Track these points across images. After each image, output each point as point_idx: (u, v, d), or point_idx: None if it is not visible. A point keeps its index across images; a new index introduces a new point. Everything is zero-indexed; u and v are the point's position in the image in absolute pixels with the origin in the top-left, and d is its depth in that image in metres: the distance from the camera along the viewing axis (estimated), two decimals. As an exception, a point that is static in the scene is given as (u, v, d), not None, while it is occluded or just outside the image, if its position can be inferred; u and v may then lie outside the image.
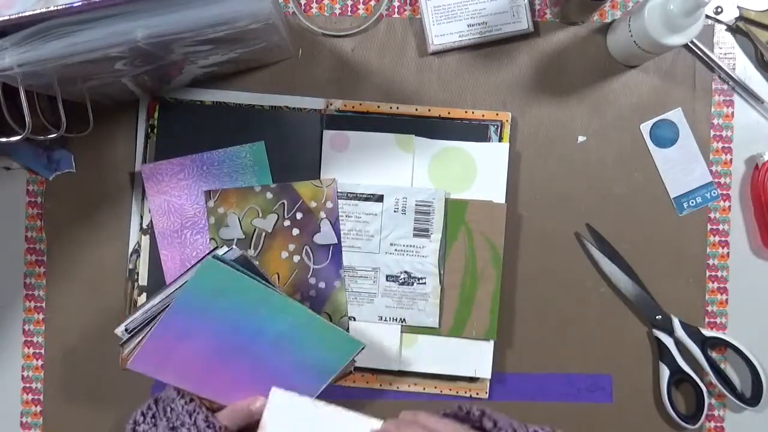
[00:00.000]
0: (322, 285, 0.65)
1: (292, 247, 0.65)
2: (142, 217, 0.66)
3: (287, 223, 0.65)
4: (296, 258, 0.65)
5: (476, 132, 0.65)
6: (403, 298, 0.65)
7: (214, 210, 0.65)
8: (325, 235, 0.65)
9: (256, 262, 0.59)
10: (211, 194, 0.65)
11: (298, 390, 0.54)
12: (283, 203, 0.65)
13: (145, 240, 0.65)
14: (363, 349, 0.58)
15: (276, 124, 0.65)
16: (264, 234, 0.65)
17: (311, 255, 0.65)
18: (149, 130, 0.66)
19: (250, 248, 0.65)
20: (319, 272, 0.65)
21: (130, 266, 0.66)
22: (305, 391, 0.55)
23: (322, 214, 0.65)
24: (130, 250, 0.66)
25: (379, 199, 0.65)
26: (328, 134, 0.65)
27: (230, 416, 0.55)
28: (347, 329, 0.64)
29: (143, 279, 0.65)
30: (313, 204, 0.65)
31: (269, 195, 0.65)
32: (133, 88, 0.62)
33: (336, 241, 0.65)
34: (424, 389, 0.66)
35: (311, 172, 0.65)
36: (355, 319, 0.65)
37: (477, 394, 0.65)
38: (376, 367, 0.65)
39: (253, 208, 0.65)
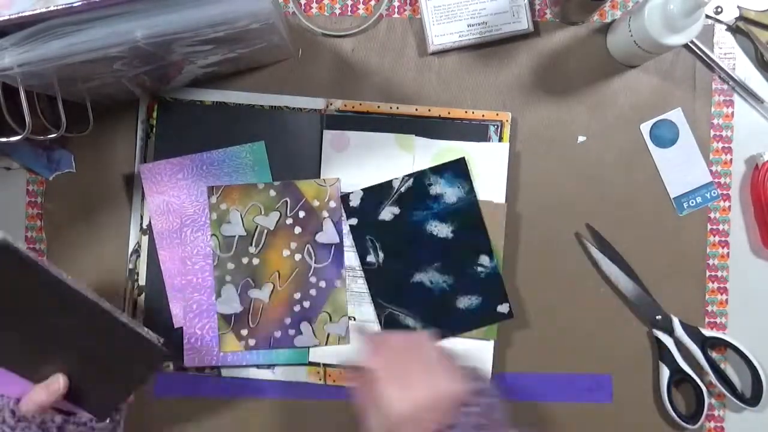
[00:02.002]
0: (322, 284, 0.65)
1: (293, 245, 0.65)
2: (142, 217, 0.66)
3: (289, 221, 0.65)
4: (297, 256, 0.65)
5: (476, 132, 0.65)
6: (404, 298, 0.65)
7: (216, 206, 0.65)
8: (327, 234, 0.65)
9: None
10: (213, 190, 0.65)
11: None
12: (286, 201, 0.65)
13: (145, 240, 0.65)
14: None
15: (276, 124, 0.65)
16: (266, 231, 0.65)
17: (313, 254, 0.65)
18: (149, 130, 0.66)
19: (251, 245, 0.64)
20: (320, 271, 0.65)
21: (130, 266, 0.66)
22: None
23: (325, 213, 0.65)
24: (130, 250, 0.66)
25: (380, 199, 0.65)
26: (328, 134, 0.65)
27: (32, 404, 0.51)
28: (347, 329, 0.65)
29: (143, 279, 0.65)
30: (316, 203, 0.65)
31: (272, 192, 0.65)
32: (132, 88, 0.62)
33: (338, 241, 0.65)
34: (424, 389, 0.66)
35: (311, 172, 0.65)
36: (355, 319, 0.65)
37: (477, 394, 0.65)
38: (377, 367, 0.65)
39: (255, 205, 0.65)
